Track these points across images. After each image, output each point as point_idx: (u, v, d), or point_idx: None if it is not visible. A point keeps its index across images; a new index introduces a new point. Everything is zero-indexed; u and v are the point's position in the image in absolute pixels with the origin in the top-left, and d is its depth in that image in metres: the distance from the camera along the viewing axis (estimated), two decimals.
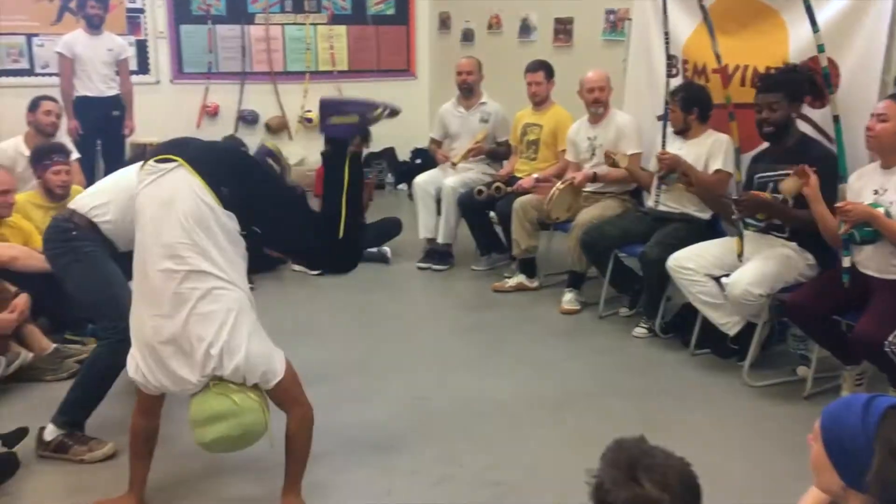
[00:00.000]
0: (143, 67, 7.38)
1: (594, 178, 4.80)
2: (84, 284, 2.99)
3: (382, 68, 8.31)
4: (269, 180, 2.91)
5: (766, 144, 3.84)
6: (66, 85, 6.16)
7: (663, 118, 4.43)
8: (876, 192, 3.29)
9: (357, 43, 8.18)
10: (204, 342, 2.37)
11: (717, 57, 3.75)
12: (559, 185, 4.76)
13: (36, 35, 6.95)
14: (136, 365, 2.49)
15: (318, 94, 7.83)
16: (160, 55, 7.48)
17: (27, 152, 4.90)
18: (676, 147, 4.34)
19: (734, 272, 3.68)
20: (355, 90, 8.10)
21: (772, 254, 3.70)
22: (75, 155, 5.05)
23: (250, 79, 7.81)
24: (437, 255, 5.62)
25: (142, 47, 7.37)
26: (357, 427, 3.32)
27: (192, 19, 7.54)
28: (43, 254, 3.33)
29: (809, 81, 3.64)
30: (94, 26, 6.24)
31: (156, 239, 2.44)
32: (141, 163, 2.67)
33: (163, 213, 2.45)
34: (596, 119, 4.87)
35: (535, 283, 5.15)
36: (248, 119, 7.84)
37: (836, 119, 3.29)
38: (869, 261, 3.35)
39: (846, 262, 3.30)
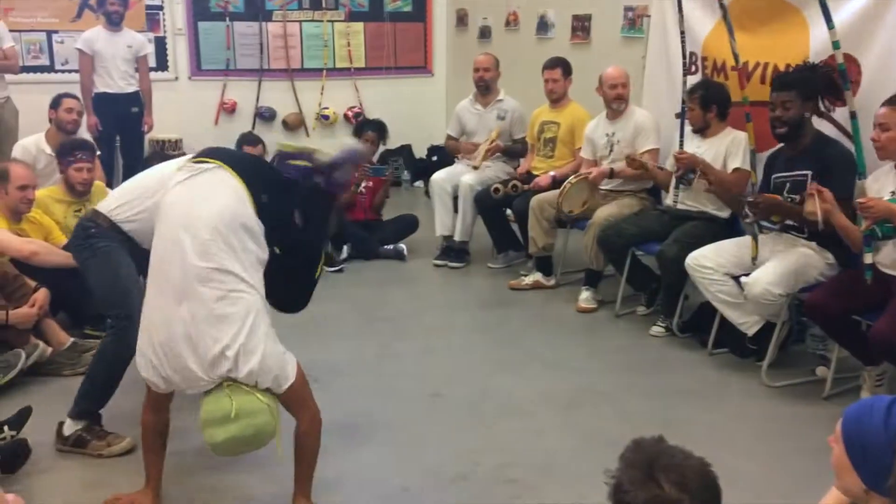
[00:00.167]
0: (162, 64, 7.42)
1: (611, 175, 4.78)
2: (96, 279, 3.05)
3: (399, 65, 8.32)
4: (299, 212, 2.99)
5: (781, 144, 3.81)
6: (86, 81, 6.21)
7: (681, 116, 4.40)
8: (893, 193, 3.26)
9: (374, 40, 8.19)
10: (219, 343, 2.37)
11: (735, 56, 3.72)
12: (572, 178, 4.75)
13: (56, 32, 7.01)
14: (148, 361, 2.49)
15: (335, 90, 8.02)
16: (178, 52, 7.52)
17: (48, 150, 4.95)
18: (695, 145, 4.31)
19: (753, 271, 3.65)
20: (372, 87, 8.14)
21: (791, 253, 3.67)
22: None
23: (268, 75, 7.83)
24: (454, 252, 5.62)
25: (160, 44, 7.40)
26: (371, 423, 3.32)
27: (210, 16, 7.58)
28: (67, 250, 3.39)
29: (827, 80, 3.60)
30: (114, 23, 6.28)
31: (185, 234, 2.46)
32: (171, 162, 2.73)
33: (196, 209, 2.49)
34: (615, 115, 4.85)
35: (552, 282, 5.14)
36: (265, 116, 7.87)
37: (852, 115, 3.26)
38: (887, 259, 3.33)
39: (868, 259, 3.27)
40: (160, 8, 7.37)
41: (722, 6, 3.78)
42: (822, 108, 3.71)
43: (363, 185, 5.92)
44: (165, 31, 7.43)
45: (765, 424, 3.38)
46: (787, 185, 3.69)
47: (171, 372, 2.44)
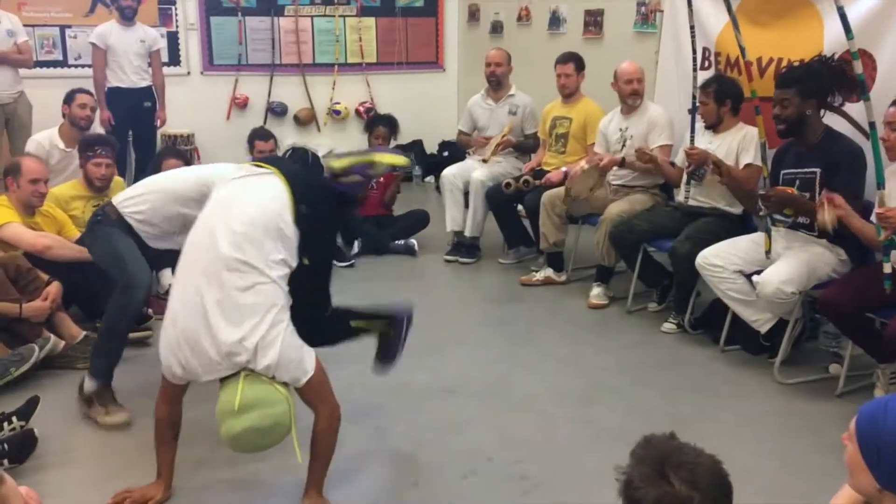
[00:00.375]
0: (174, 59, 7.43)
1: (622, 164, 4.76)
2: (98, 256, 3.30)
3: (411, 60, 8.31)
4: (333, 236, 3.06)
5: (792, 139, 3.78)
6: (99, 76, 6.23)
7: (692, 112, 4.38)
8: None
9: (386, 35, 8.18)
10: (239, 331, 2.39)
11: (742, 50, 3.68)
12: (583, 164, 4.74)
13: (69, 26, 7.03)
14: (168, 345, 2.51)
15: (346, 85, 8.02)
16: (191, 47, 7.53)
17: (61, 145, 4.98)
18: (706, 141, 4.29)
19: (765, 270, 3.63)
20: (384, 82, 8.14)
21: (803, 251, 3.65)
22: None
23: (279, 71, 7.83)
24: (465, 248, 5.61)
25: (173, 39, 7.42)
26: (383, 419, 3.33)
27: (222, 11, 7.58)
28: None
29: (838, 73, 3.56)
30: (127, 18, 6.29)
31: (220, 223, 2.53)
32: (192, 168, 3.00)
33: (238, 204, 2.59)
34: (629, 110, 4.83)
35: (563, 277, 5.13)
36: (276, 111, 7.87)
37: (871, 126, 3.15)
38: None
39: (887, 269, 3.22)
40: (173, 3, 7.37)
41: (726, 1, 3.74)
42: (835, 104, 3.67)
43: (374, 180, 5.92)
44: (178, 25, 7.44)
45: (777, 422, 3.37)
46: (797, 181, 3.67)
47: (190, 355, 2.46)
